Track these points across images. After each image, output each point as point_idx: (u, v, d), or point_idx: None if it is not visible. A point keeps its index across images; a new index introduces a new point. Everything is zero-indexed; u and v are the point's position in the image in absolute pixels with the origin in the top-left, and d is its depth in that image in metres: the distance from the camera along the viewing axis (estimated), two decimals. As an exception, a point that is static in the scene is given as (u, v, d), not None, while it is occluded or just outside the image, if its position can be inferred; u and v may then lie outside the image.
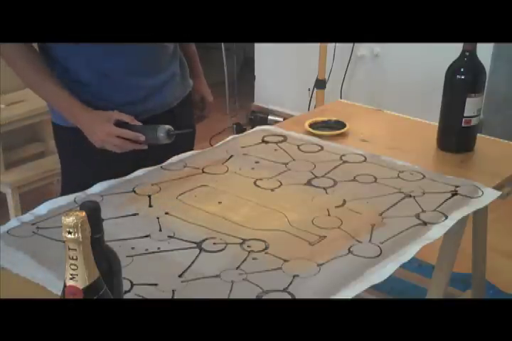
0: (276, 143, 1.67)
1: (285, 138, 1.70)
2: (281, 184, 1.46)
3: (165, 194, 1.41)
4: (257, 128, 1.78)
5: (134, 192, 1.42)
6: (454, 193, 1.41)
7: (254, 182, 1.46)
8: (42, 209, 1.34)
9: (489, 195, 1.41)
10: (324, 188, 1.44)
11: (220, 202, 1.38)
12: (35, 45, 1.54)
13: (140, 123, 1.51)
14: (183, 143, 1.65)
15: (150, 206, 1.37)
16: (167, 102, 1.66)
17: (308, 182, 1.47)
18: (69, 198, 1.38)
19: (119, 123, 1.49)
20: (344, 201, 1.39)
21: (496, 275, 2.39)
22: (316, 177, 1.49)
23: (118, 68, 1.54)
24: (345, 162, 1.57)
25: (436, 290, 1.55)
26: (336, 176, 1.49)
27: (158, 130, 1.47)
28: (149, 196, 1.40)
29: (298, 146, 1.65)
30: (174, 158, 1.58)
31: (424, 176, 1.49)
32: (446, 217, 1.31)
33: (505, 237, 2.64)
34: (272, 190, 1.44)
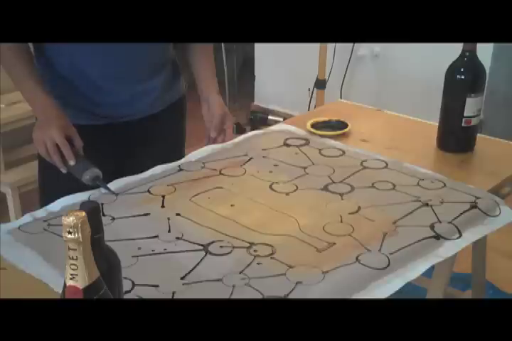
0: (297, 146, 1.64)
1: (307, 141, 1.66)
2: (297, 188, 1.43)
3: (179, 195, 1.40)
4: (280, 127, 1.75)
5: (149, 192, 1.41)
6: (474, 205, 1.36)
7: (270, 186, 1.44)
8: (56, 205, 1.34)
9: (506, 216, 1.34)
10: (340, 194, 1.41)
11: (232, 205, 1.36)
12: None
13: (82, 154, 1.43)
14: (172, 152, 1.64)
15: (162, 206, 1.35)
16: (148, 108, 1.63)
17: (325, 188, 1.43)
18: (83, 195, 1.37)
19: (67, 139, 1.42)
20: (359, 208, 1.35)
21: (496, 275, 2.40)
22: (333, 182, 1.46)
23: (98, 70, 1.52)
24: (365, 168, 1.53)
25: (436, 290, 1.56)
26: (354, 182, 1.46)
27: (89, 171, 1.39)
28: (163, 196, 1.39)
29: (319, 150, 1.62)
30: (191, 156, 1.56)
31: (444, 185, 1.44)
32: (460, 235, 1.26)
33: (506, 237, 2.63)
34: (287, 194, 1.41)
